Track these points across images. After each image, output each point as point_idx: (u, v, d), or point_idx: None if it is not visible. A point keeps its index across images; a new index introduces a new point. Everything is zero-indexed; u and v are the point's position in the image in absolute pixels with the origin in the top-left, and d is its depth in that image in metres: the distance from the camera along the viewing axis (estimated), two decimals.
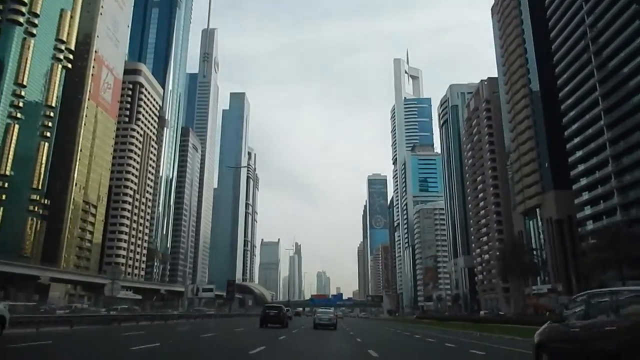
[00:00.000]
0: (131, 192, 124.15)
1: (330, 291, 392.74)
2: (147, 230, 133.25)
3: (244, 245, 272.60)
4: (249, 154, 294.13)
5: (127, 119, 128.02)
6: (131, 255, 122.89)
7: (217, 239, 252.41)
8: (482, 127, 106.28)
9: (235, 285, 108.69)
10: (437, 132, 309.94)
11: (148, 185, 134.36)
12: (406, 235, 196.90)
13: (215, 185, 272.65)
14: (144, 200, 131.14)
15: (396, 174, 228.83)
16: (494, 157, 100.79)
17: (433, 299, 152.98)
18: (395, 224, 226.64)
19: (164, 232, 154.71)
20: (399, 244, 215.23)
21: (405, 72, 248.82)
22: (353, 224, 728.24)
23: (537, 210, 75.70)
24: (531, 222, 79.68)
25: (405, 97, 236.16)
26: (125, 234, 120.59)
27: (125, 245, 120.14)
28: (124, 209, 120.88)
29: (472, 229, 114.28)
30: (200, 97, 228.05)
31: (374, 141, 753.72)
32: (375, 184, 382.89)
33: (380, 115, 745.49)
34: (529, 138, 77.95)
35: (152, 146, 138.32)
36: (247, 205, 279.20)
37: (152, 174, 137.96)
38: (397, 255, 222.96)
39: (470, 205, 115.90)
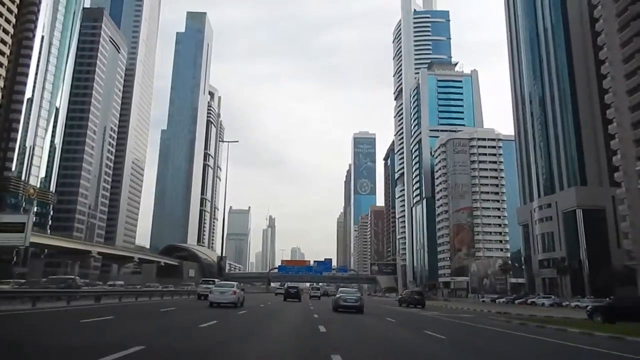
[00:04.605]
0: None
1: None
2: None
3: (201, 205, 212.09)
4: (211, 94, 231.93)
5: None
6: None
7: (165, 194, 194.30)
8: None
9: None
10: (456, 52, 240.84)
11: None
12: (417, 185, 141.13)
13: (165, 127, 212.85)
14: None
15: (400, 110, 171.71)
16: None
17: (471, 272, 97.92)
18: (397, 174, 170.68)
19: (50, 157, 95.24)
20: (403, 200, 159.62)
21: None
22: (330, 202, 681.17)
23: None
24: None
25: (414, 10, 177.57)
26: None
27: None
28: None
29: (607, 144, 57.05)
30: None
31: (355, 121, 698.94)
32: (362, 144, 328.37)
33: (363, 94, 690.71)
34: None
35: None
36: (206, 155, 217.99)
37: (4, 45, 77.19)
38: (397, 217, 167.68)
39: (611, 97, 58.84)
